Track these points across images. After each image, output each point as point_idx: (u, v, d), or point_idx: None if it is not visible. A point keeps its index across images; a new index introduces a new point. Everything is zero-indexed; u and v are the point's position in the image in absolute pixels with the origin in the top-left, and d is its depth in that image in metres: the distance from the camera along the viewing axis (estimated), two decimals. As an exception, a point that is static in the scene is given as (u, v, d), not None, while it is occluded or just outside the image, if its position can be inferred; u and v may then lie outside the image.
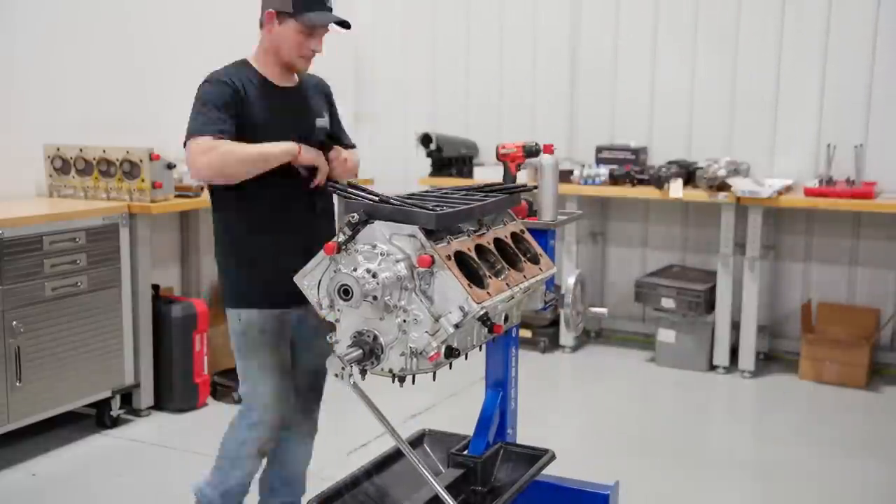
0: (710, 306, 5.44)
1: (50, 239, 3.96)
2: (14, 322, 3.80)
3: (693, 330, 5.46)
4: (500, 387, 2.92)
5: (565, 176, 5.49)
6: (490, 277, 2.30)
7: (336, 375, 2.10)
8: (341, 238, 2.17)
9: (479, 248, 2.38)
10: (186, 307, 4.62)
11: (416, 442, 2.90)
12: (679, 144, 5.87)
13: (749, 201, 5.18)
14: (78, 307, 4.10)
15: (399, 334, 2.15)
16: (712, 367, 5.44)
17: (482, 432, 2.81)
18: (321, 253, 2.20)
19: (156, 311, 4.54)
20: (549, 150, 2.97)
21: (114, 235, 4.27)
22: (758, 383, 5.29)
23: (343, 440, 4.07)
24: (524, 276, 2.45)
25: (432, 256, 2.12)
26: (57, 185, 4.54)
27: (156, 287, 4.65)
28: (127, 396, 4.45)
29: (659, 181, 5.36)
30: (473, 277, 2.25)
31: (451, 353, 2.21)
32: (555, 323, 5.74)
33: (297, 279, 2.27)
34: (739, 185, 5.17)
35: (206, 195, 4.73)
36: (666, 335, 5.53)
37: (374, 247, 2.16)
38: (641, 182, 5.54)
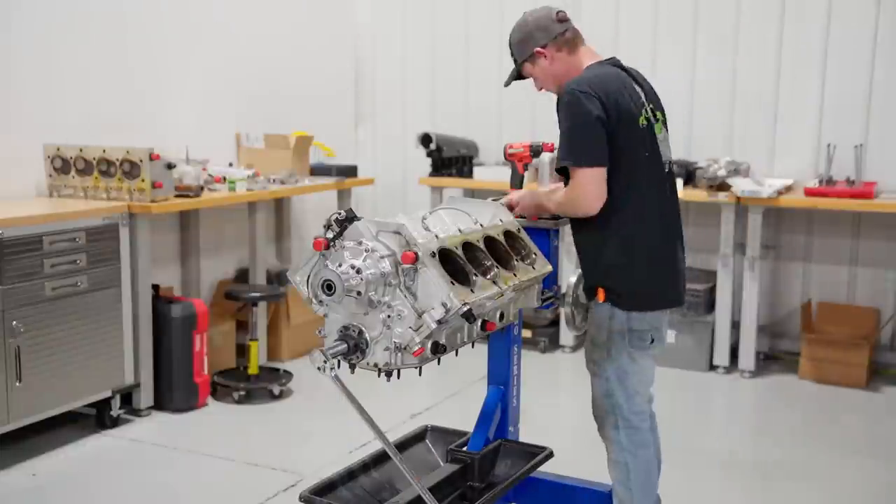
0: (710, 306, 5.44)
1: (50, 239, 3.96)
2: (14, 322, 3.80)
3: (693, 330, 5.46)
4: (501, 384, 2.93)
5: (565, 176, 5.48)
6: (477, 275, 2.32)
7: (318, 369, 2.12)
8: (329, 235, 2.19)
9: (469, 246, 2.40)
10: (186, 307, 4.61)
11: (419, 437, 2.91)
12: (679, 144, 5.85)
13: (749, 201, 5.18)
14: (78, 307, 4.09)
15: (384, 329, 2.18)
16: (712, 367, 5.43)
17: (482, 429, 2.82)
18: (311, 249, 2.22)
19: (156, 311, 4.54)
20: (549, 148, 2.98)
21: (114, 235, 4.27)
22: (758, 383, 5.29)
23: (344, 439, 4.08)
24: (514, 275, 2.47)
25: (416, 253, 2.14)
26: (57, 185, 4.54)
27: (156, 287, 4.64)
28: (127, 396, 4.44)
29: (659, 181, 5.35)
30: (460, 275, 2.27)
31: (438, 348, 2.23)
32: (555, 323, 5.75)
33: (289, 275, 2.31)
34: (739, 185, 5.17)
35: (206, 195, 4.79)
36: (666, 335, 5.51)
37: (360, 243, 2.18)
38: (641, 182, 5.53)
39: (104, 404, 4.33)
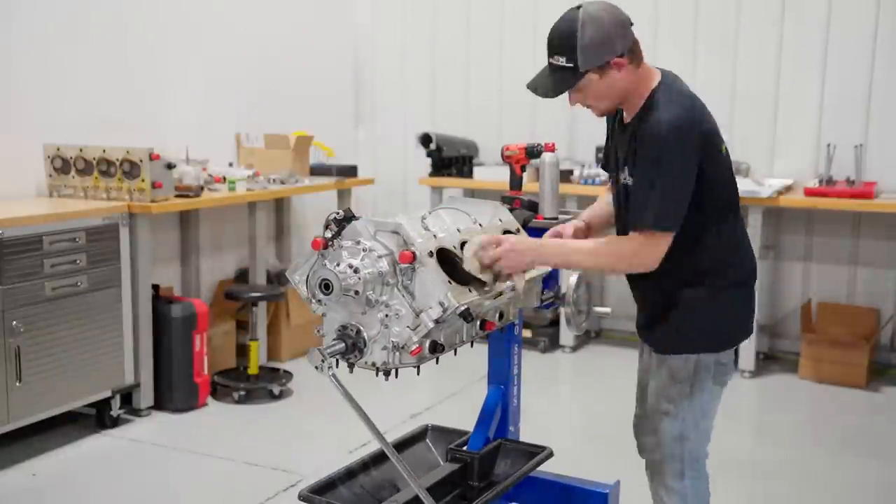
0: (710, 306, 5.42)
1: (50, 239, 3.96)
2: (14, 322, 3.80)
3: (693, 330, 5.45)
4: (502, 384, 2.92)
5: (565, 176, 5.49)
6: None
7: (316, 368, 2.12)
8: (328, 234, 2.20)
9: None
10: (186, 307, 4.62)
11: (419, 437, 2.90)
12: (679, 144, 5.85)
13: (749, 201, 5.17)
14: (78, 307, 4.10)
15: (382, 328, 2.18)
16: (712, 367, 5.43)
17: (482, 428, 2.81)
18: (311, 249, 2.22)
19: (156, 311, 4.54)
20: (549, 148, 2.98)
21: (114, 235, 4.27)
22: (758, 383, 5.29)
23: (344, 439, 4.08)
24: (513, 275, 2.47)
25: (414, 252, 2.14)
26: (57, 185, 4.54)
27: (156, 287, 4.64)
28: (127, 396, 4.44)
29: (659, 181, 5.35)
30: (458, 275, 2.27)
31: (436, 348, 2.23)
32: (555, 323, 5.74)
33: (289, 274, 2.31)
34: (739, 185, 5.16)
35: (206, 195, 4.79)
36: (666, 335, 5.51)
37: (358, 242, 2.18)
38: (641, 182, 5.53)
39: (104, 404, 4.33)
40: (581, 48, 2.27)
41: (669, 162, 2.28)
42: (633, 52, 2.33)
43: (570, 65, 2.29)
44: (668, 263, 2.35)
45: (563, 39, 2.29)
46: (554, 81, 2.34)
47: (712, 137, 2.37)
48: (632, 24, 2.34)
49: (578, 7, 2.31)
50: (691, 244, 2.38)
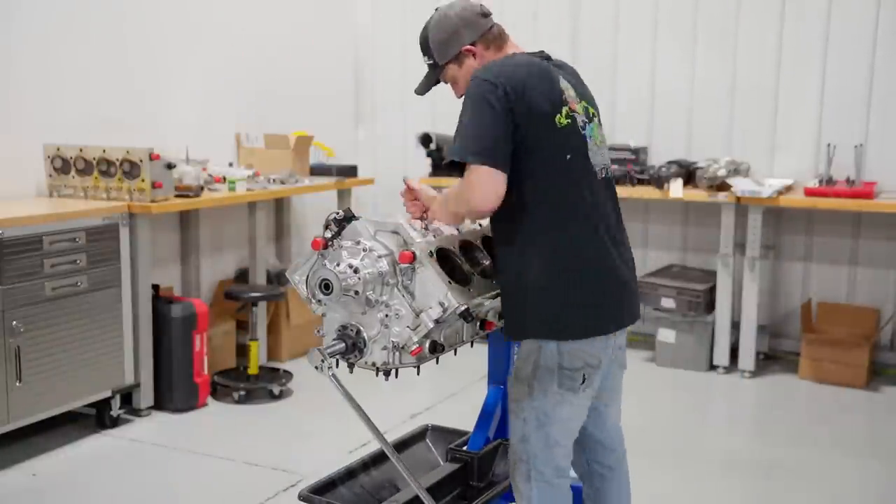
0: (710, 306, 5.44)
1: (50, 239, 3.96)
2: (14, 322, 3.80)
3: (693, 330, 5.46)
4: (501, 384, 2.92)
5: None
6: (475, 275, 2.33)
7: (316, 368, 2.13)
8: (328, 234, 2.20)
9: (467, 245, 2.40)
10: (186, 307, 4.61)
11: (419, 437, 2.91)
12: (679, 144, 5.87)
13: (749, 201, 5.18)
14: (78, 307, 4.09)
15: (382, 329, 2.18)
16: (712, 367, 5.43)
17: (482, 428, 2.81)
18: (311, 249, 2.23)
19: (156, 311, 4.54)
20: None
21: (114, 235, 4.27)
22: (758, 383, 5.29)
23: (344, 439, 4.08)
24: None
25: (413, 252, 2.15)
26: (57, 184, 4.54)
27: (156, 287, 4.64)
28: (127, 396, 4.44)
29: (659, 181, 5.36)
30: (458, 275, 2.28)
31: (436, 348, 2.23)
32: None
33: (289, 274, 2.31)
34: (739, 185, 5.17)
35: (206, 195, 4.79)
36: (666, 335, 5.53)
37: (358, 242, 2.19)
38: (641, 182, 5.55)
39: (104, 404, 4.32)
40: (434, 45, 2.52)
41: (472, 101, 2.27)
42: (487, 38, 2.49)
43: (432, 61, 2.56)
44: (504, 237, 2.33)
45: (422, 42, 2.57)
46: (425, 78, 2.61)
47: (530, 98, 2.26)
48: (486, 14, 2.52)
49: (436, 9, 2.57)
50: (518, 214, 2.28)
